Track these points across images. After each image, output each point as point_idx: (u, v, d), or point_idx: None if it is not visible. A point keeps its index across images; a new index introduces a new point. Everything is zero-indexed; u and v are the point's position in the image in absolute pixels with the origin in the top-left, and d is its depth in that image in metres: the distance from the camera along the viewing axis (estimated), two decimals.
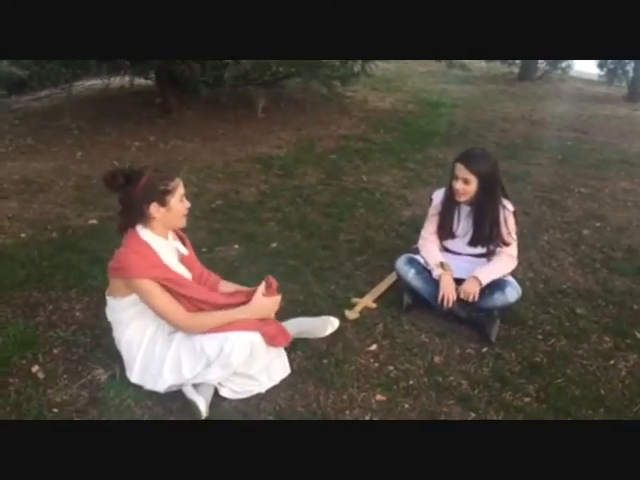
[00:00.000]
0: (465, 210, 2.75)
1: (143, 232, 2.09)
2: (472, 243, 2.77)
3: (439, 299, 2.65)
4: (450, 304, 2.64)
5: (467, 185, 2.61)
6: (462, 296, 2.63)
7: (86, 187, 4.30)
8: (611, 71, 8.70)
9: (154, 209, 2.06)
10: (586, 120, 6.95)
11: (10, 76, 5.81)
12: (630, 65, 8.38)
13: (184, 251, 2.25)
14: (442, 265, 2.74)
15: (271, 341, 2.15)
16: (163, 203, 2.06)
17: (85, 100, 7.03)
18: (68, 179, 4.54)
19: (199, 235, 3.48)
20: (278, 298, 2.25)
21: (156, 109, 6.50)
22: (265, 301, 2.20)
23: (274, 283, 2.26)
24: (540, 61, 9.53)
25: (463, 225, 2.78)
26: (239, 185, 4.51)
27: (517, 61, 9.74)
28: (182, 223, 2.19)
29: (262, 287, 2.25)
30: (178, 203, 2.11)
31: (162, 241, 2.13)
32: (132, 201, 2.06)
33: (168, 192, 2.07)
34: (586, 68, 9.40)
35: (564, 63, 9.48)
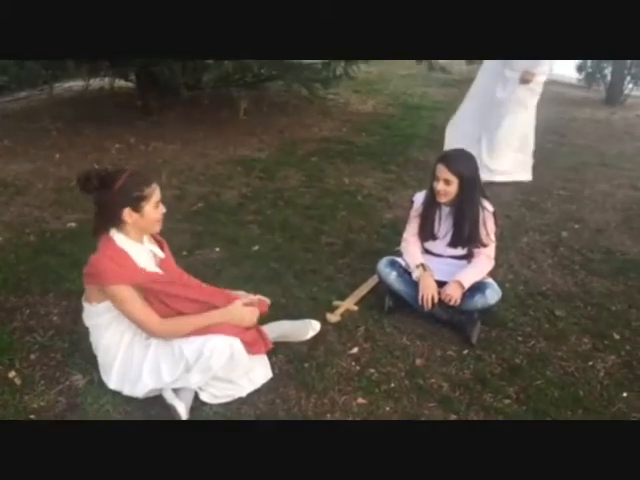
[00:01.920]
0: (445, 211, 2.77)
1: (117, 237, 2.06)
2: (452, 244, 2.78)
3: (419, 300, 2.67)
4: (430, 305, 2.65)
5: (448, 186, 2.63)
6: (444, 299, 2.64)
7: (65, 189, 4.25)
8: (589, 75, 8.78)
9: (127, 214, 2.02)
10: (565, 123, 7.01)
11: None
12: (608, 69, 8.48)
13: (161, 255, 2.22)
14: (422, 266, 2.75)
15: (250, 348, 2.14)
16: (137, 209, 2.02)
17: (64, 102, 6.95)
18: (46, 181, 4.48)
19: (180, 238, 3.45)
20: (256, 310, 2.24)
21: (136, 111, 6.44)
22: (242, 310, 2.18)
23: (266, 304, 2.29)
24: None
25: (444, 226, 2.79)
26: (220, 188, 4.49)
27: None
28: (156, 228, 2.15)
29: (247, 299, 2.24)
30: (152, 210, 2.06)
31: (137, 246, 2.10)
32: (105, 205, 2.03)
33: (143, 198, 2.02)
34: (565, 72, 9.50)
35: None
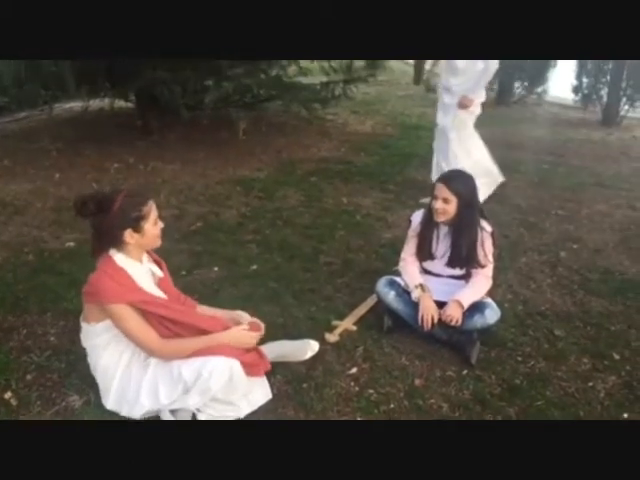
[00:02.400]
0: (443, 230, 2.77)
1: (117, 257, 2.05)
2: (450, 264, 2.78)
3: (419, 320, 2.66)
4: (430, 325, 2.64)
5: (447, 205, 2.64)
6: (445, 320, 2.63)
7: (64, 209, 4.25)
8: (586, 96, 8.88)
9: (128, 236, 2.02)
10: (562, 144, 7.07)
11: None
12: (604, 91, 8.58)
13: (160, 274, 2.22)
14: (421, 287, 2.75)
15: (249, 370, 2.12)
16: (137, 229, 2.03)
17: (64, 122, 7.00)
18: (45, 201, 4.50)
19: (179, 258, 3.45)
20: (257, 335, 2.22)
21: (136, 131, 6.48)
22: (243, 333, 2.17)
23: (260, 327, 2.27)
24: (516, 86, 9.72)
25: (442, 246, 2.79)
26: (219, 207, 4.50)
27: (494, 85, 9.92)
28: (157, 244, 2.15)
29: (245, 324, 2.23)
30: (152, 227, 2.07)
31: (137, 265, 2.10)
32: (104, 228, 2.02)
33: (142, 218, 2.03)
34: (561, 93, 9.60)
35: (540, 88, 9.67)
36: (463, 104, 4.45)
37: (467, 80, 4.40)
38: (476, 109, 4.59)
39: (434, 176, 4.85)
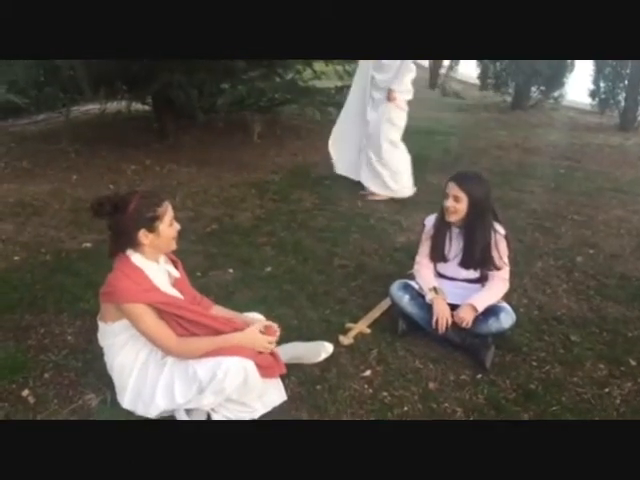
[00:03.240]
0: (456, 232, 2.77)
1: (134, 257, 2.08)
2: (464, 265, 2.77)
3: (433, 323, 2.65)
4: (444, 328, 2.63)
5: (457, 203, 2.63)
6: (456, 321, 2.63)
7: (81, 210, 4.30)
8: (603, 101, 8.81)
9: (143, 236, 2.04)
10: (579, 149, 7.02)
11: (8, 103, 5.85)
12: (622, 95, 8.51)
13: (176, 274, 2.24)
14: (434, 289, 2.74)
15: (264, 371, 2.13)
16: (152, 229, 2.05)
17: (82, 124, 7.08)
18: (63, 202, 4.55)
19: (194, 259, 3.47)
20: (272, 340, 2.22)
21: (153, 134, 6.54)
22: (259, 336, 2.17)
23: (276, 331, 2.27)
24: (533, 90, 9.68)
25: (454, 247, 2.78)
26: (234, 210, 4.53)
27: (510, 90, 9.89)
28: (172, 246, 2.17)
29: (261, 326, 2.24)
30: (167, 228, 2.09)
31: (153, 265, 2.12)
32: (120, 229, 2.05)
33: (156, 218, 2.05)
34: (578, 97, 9.53)
35: (556, 92, 9.61)
36: (389, 97, 4.65)
37: (392, 75, 4.62)
38: (403, 105, 4.77)
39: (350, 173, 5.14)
